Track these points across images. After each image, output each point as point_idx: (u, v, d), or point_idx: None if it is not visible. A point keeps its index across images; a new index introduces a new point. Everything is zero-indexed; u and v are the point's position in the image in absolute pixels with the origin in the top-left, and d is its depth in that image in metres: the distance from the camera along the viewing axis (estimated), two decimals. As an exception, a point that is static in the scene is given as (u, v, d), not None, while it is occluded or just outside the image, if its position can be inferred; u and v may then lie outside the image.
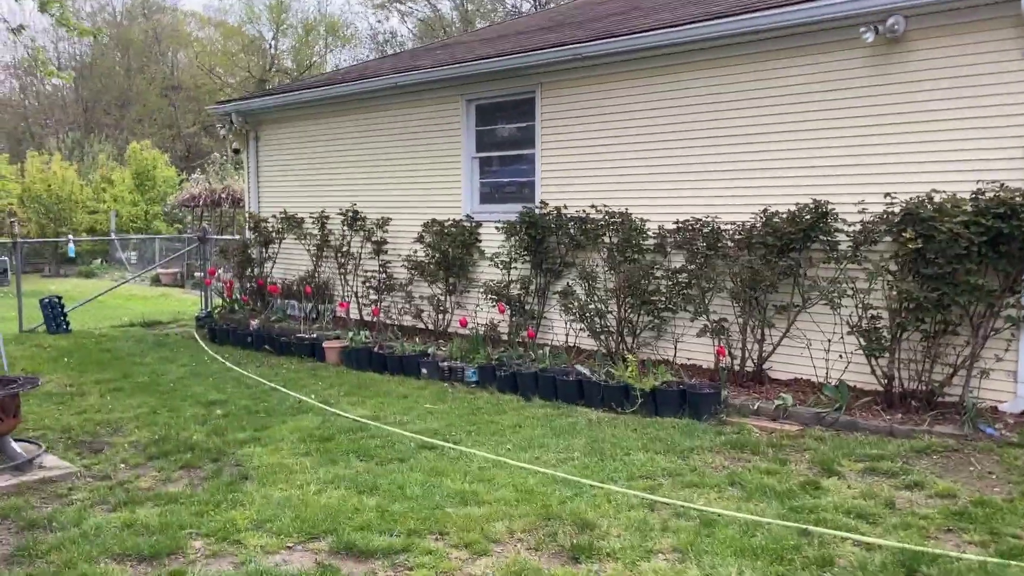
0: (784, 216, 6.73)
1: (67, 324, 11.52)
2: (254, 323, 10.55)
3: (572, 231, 8.23)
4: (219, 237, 13.57)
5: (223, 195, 22.02)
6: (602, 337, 7.83)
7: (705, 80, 7.49)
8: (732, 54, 7.28)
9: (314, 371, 8.75)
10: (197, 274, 19.74)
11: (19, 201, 26.95)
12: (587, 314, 7.84)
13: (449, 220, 9.46)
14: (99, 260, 29.26)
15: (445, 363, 8.20)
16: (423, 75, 9.52)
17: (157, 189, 30.10)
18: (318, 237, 10.84)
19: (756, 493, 4.70)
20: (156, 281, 22.63)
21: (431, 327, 9.57)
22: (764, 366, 7.05)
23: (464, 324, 8.76)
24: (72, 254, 23.02)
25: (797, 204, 6.71)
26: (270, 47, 47.16)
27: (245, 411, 6.83)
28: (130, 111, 43.75)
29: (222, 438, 5.98)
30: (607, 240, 7.95)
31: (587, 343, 8.19)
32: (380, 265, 10.07)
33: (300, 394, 7.50)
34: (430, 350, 8.62)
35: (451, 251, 9.31)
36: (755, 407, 6.40)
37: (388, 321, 9.97)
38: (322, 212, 10.77)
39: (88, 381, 8.06)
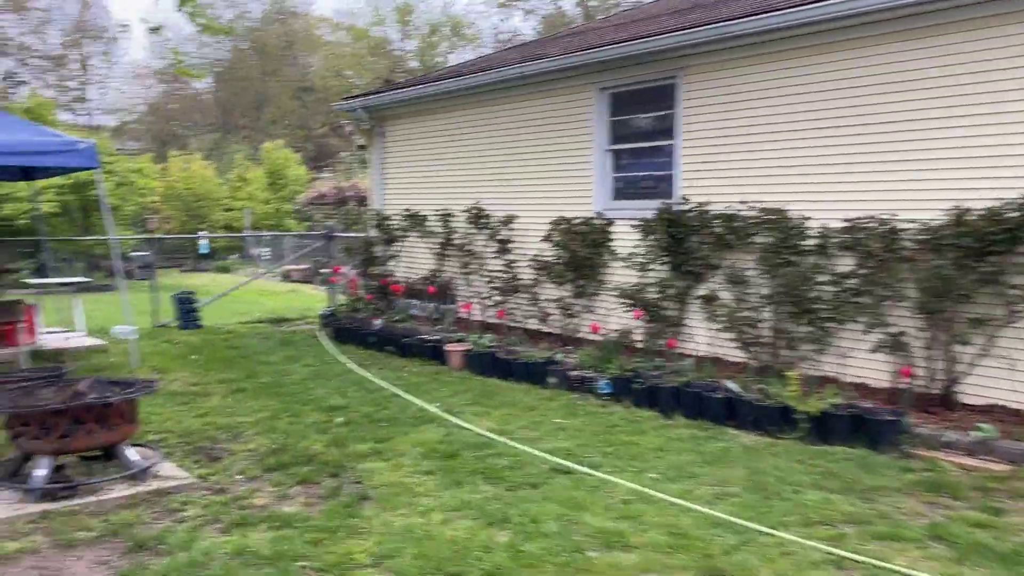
0: (982, 213, 5.69)
1: (199, 320, 11.68)
2: (377, 322, 10.30)
3: (718, 230, 7.42)
4: (344, 235, 13.50)
5: (349, 193, 22.31)
6: (753, 349, 6.99)
7: (885, 55, 6.51)
8: (927, 23, 6.27)
9: (436, 375, 8.34)
10: (324, 271, 20.07)
11: (162, 199, 28.40)
12: (736, 322, 7.02)
13: (578, 218, 8.83)
14: (234, 256, 30.51)
15: (574, 372, 7.58)
16: (553, 63, 8.94)
17: (288, 188, 31.05)
18: (441, 235, 10.48)
19: (969, 553, 3.82)
20: (286, 277, 23.22)
21: (558, 332, 8.97)
22: (953, 389, 6.02)
23: (596, 330, 8.10)
24: (205, 251, 23.92)
25: (1000, 199, 5.67)
26: (397, 48, 48.06)
27: (366, 419, 6.45)
28: (264, 113, 45.61)
29: (342, 450, 5.59)
30: (759, 240, 7.10)
31: (732, 354, 7.36)
32: (504, 265, 9.57)
33: (422, 401, 7.08)
34: (558, 357, 8.02)
35: (580, 251, 8.68)
36: (946, 439, 5.42)
37: (512, 324, 9.46)
38: (446, 210, 10.39)
39: (213, 380, 7.95)
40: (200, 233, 23.81)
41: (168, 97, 46.99)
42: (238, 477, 5.06)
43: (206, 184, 28.17)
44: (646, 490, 4.72)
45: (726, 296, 7.30)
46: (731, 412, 6.28)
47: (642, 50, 8.05)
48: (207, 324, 11.82)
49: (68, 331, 9.82)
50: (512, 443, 5.77)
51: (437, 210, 10.50)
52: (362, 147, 12.29)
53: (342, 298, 11.93)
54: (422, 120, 11.30)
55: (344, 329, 10.58)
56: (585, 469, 5.13)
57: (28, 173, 9.80)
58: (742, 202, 7.29)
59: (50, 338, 9.30)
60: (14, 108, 25.52)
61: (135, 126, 46.97)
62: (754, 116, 7.41)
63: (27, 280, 9.77)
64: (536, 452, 5.53)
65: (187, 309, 11.57)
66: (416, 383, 7.92)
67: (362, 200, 22.51)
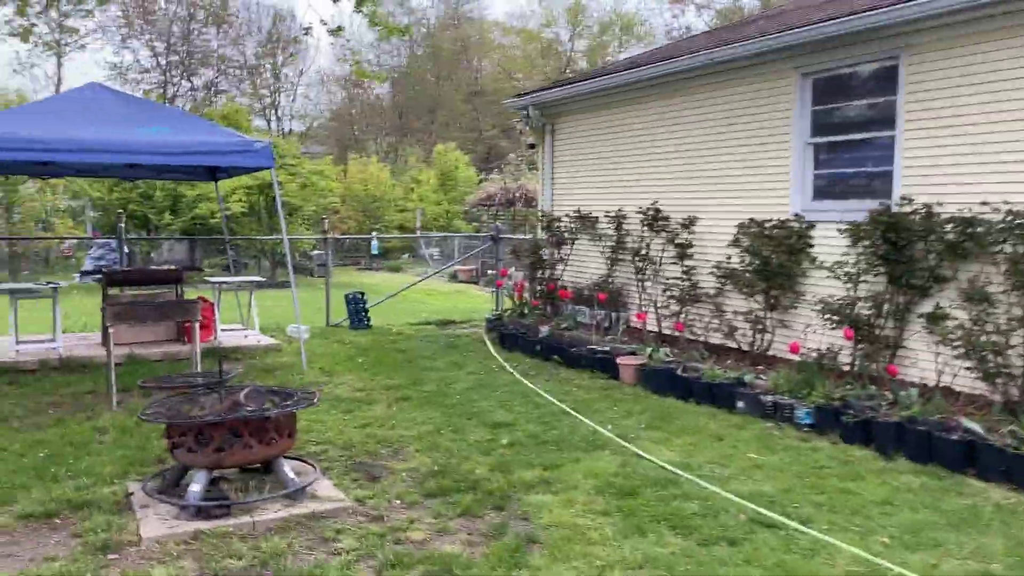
0: None
1: (368, 320, 11.67)
2: (543, 329, 9.76)
3: (950, 236, 6.22)
4: (511, 237, 13.14)
5: (517, 194, 22.09)
6: (998, 381, 5.76)
7: None
8: None
9: (607, 391, 7.66)
10: (491, 272, 19.92)
11: (341, 200, 29.60)
12: (976, 348, 5.82)
13: (771, 220, 7.84)
14: (406, 256, 31.33)
15: (768, 397, 6.64)
16: (748, 46, 7.99)
17: (458, 189, 31.50)
18: (613, 238, 9.78)
19: None
20: (454, 278, 23.39)
21: (745, 348, 8.01)
22: None
23: (796, 350, 7.09)
24: (376, 251, 24.56)
25: None
26: (566, 49, 47.81)
27: (533, 441, 5.88)
28: (438, 116, 46.78)
29: (507, 476, 5.04)
30: (1008, 249, 5.85)
31: (969, 386, 6.13)
32: (683, 272, 8.72)
33: (593, 421, 6.42)
34: (747, 378, 7.10)
35: (773, 257, 7.69)
36: None
37: (691, 337, 8.59)
38: (618, 211, 9.68)
39: (378, 386, 7.70)
40: (372, 234, 24.47)
41: (350, 103, 49.35)
42: (396, 502, 4.62)
43: (381, 186, 29.06)
44: (878, 561, 3.80)
45: (960, 315, 6.10)
46: (971, 458, 5.16)
47: (858, 28, 6.95)
48: (376, 324, 11.80)
49: (246, 329, 10.03)
50: (699, 480, 4.99)
51: (609, 211, 9.82)
52: (532, 147, 11.82)
53: (508, 302, 11.53)
54: (594, 116, 10.65)
55: (510, 335, 10.13)
56: (795, 524, 4.27)
57: (214, 173, 10.11)
58: (983, 203, 6.06)
59: (227, 336, 9.50)
60: (212, 114, 27.50)
61: (320, 131, 49.76)
62: (998, 99, 6.15)
63: (208, 278, 10.03)
64: (729, 495, 4.71)
65: (357, 309, 11.59)
66: (585, 399, 7.28)
67: (530, 201, 22.22)
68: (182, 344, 9.05)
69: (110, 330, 6.63)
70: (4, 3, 12.41)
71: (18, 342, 8.44)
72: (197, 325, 6.92)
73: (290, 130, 47.78)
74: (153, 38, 44.22)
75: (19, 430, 5.88)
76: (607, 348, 8.68)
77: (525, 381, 8.01)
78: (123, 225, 9.76)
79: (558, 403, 7.06)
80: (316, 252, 25.38)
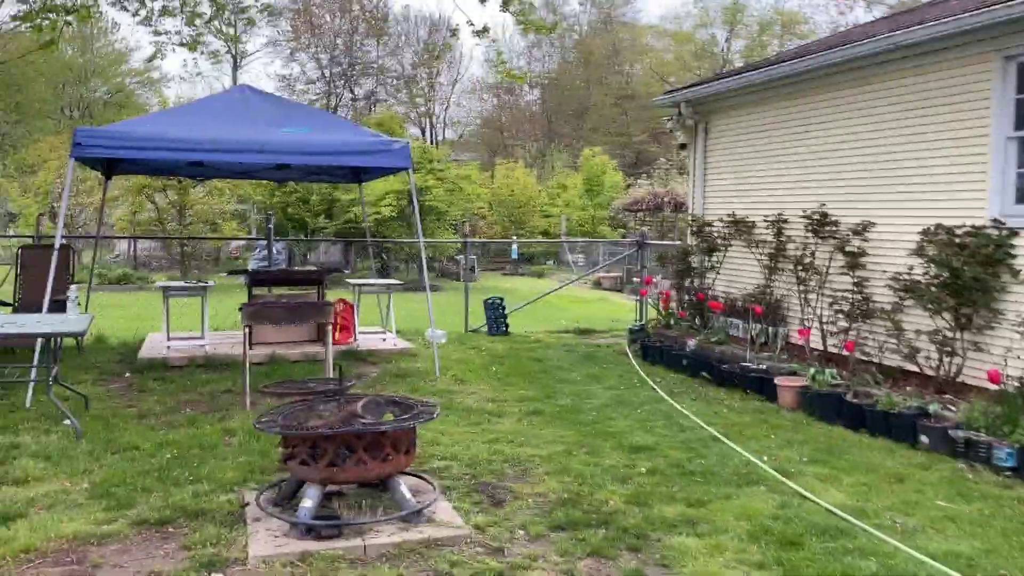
0: None
1: (506, 326, 11.35)
2: (691, 343, 9.04)
3: None
4: (658, 243, 12.45)
5: (666, 199, 21.24)
6: None
7: None
8: None
9: (762, 414, 6.88)
10: (635, 279, 19.21)
11: (489, 206, 29.77)
12: None
13: (964, 226, 6.77)
14: (550, 261, 31.08)
15: (959, 432, 5.65)
16: (941, 27, 6.95)
17: (604, 194, 30.89)
18: (772, 245, 8.90)
19: None
20: (597, 284, 22.83)
21: (929, 373, 6.97)
22: None
23: (995, 379, 6.03)
24: (515, 255, 24.38)
25: None
26: (722, 49, 46.03)
27: (676, 470, 5.24)
28: (586, 121, 46.37)
29: (645, 511, 4.46)
30: None
31: None
32: (854, 284, 7.75)
33: (747, 450, 5.69)
34: (932, 408, 6.11)
35: (965, 269, 6.62)
36: None
37: (863, 358, 7.60)
38: (778, 215, 8.81)
39: (510, 398, 7.30)
40: (512, 238, 24.36)
41: (500, 110, 49.94)
42: (520, 533, 4.16)
43: (527, 191, 28.95)
44: None
45: None
46: None
47: (1081, -4, 5.83)
48: (514, 331, 11.46)
49: (384, 332, 9.95)
50: (877, 532, 4.19)
51: (767, 216, 8.96)
52: (682, 147, 11.09)
53: (652, 312, 10.84)
54: (752, 112, 9.79)
55: (653, 347, 9.47)
56: (1008, 605, 3.43)
57: (358, 175, 10.12)
58: None
59: (365, 338, 9.44)
60: (368, 122, 28.43)
61: (472, 138, 50.67)
62: None
63: (348, 279, 10.04)
64: (918, 555, 3.90)
65: (495, 315, 11.30)
66: (737, 423, 6.54)
67: (678, 206, 21.32)
68: (322, 345, 9.06)
69: (246, 330, 6.61)
70: (173, 15, 13.08)
71: (169, 339, 8.71)
72: (329, 327, 6.79)
73: (443, 138, 48.97)
74: (318, 51, 46.67)
75: (154, 428, 5.92)
76: (763, 367, 7.87)
77: (669, 399, 7.36)
78: (271, 227, 9.94)
79: (706, 426, 6.37)
80: (461, 256, 25.62)
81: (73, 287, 7.23)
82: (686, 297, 10.12)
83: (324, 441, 3.99)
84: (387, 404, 4.52)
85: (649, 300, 11.19)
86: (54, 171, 20.14)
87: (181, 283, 9.46)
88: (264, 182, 22.14)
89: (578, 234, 29.97)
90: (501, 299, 11.51)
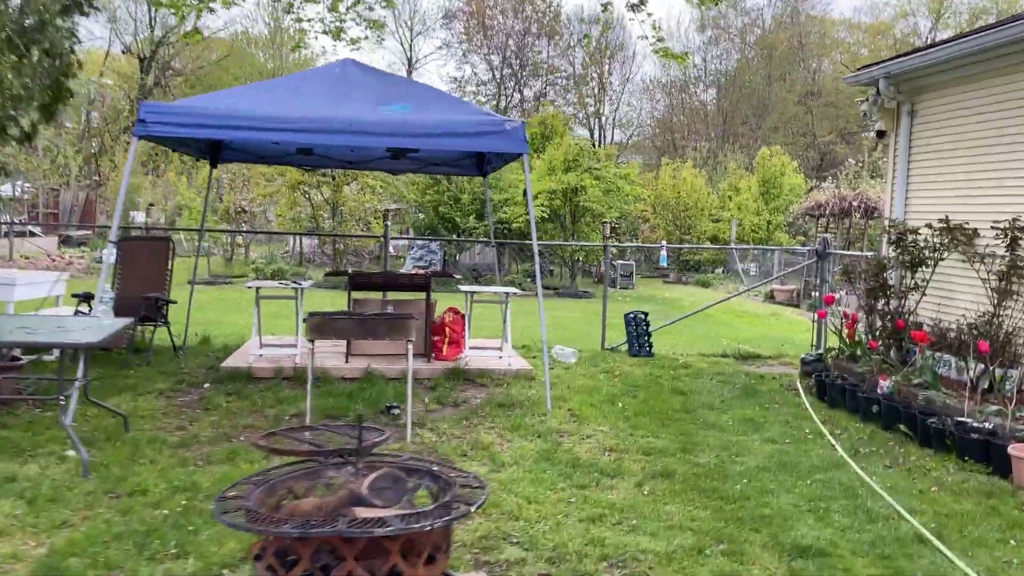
0: None
1: (650, 346, 9.66)
2: (884, 383, 6.99)
3: None
4: (843, 252, 10.27)
5: (854, 203, 18.48)
6: None
7: None
8: None
9: (990, 498, 4.86)
10: (814, 294, 16.68)
11: (652, 208, 27.79)
12: None
13: None
14: (718, 270, 28.57)
15: None
16: None
17: (782, 198, 28.01)
18: (1003, 260, 6.69)
19: None
20: (770, 297, 20.38)
21: None
22: None
23: None
24: (664, 262, 22.28)
25: None
26: (924, 41, 41.01)
27: (860, 599, 3.47)
28: (766, 120, 43.02)
29: None
30: None
31: None
32: None
33: (973, 567, 3.79)
34: None
35: None
36: None
37: None
38: (1012, 221, 6.59)
39: (634, 447, 5.68)
40: (661, 243, 22.41)
41: (672, 111, 47.54)
42: None
43: (695, 193, 26.70)
44: None
45: None
46: None
47: None
48: (661, 351, 9.77)
49: (502, 346, 8.59)
50: None
51: (996, 222, 6.74)
52: (879, 135, 8.89)
53: (833, 337, 8.76)
54: (980, 88, 7.52)
55: (833, 385, 7.48)
56: None
57: (481, 166, 8.85)
58: None
59: (477, 354, 8.13)
60: (532, 121, 27.38)
61: (642, 139, 48.61)
62: None
63: (460, 285, 8.78)
64: None
65: (637, 332, 9.64)
66: (953, 513, 4.57)
67: (869, 212, 18.49)
68: (425, 361, 7.85)
69: (311, 345, 5.48)
70: (316, 1, 12.46)
71: (262, 345, 7.84)
72: (411, 344, 5.51)
73: (612, 139, 47.35)
74: (490, 52, 46.50)
75: (186, 463, 4.87)
76: (989, 425, 5.77)
77: (852, 464, 5.46)
78: (388, 224, 8.88)
79: (907, 515, 4.47)
80: (620, 262, 23.94)
81: (104, 288, 6.36)
82: (879, 323, 7.99)
83: (297, 544, 2.64)
84: (419, 476, 3.12)
85: (829, 323, 9.09)
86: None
87: (275, 283, 8.59)
88: (419, 179, 21.64)
89: (751, 241, 27.32)
90: (645, 314, 9.82)
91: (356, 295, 7.82)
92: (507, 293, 8.05)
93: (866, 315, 8.15)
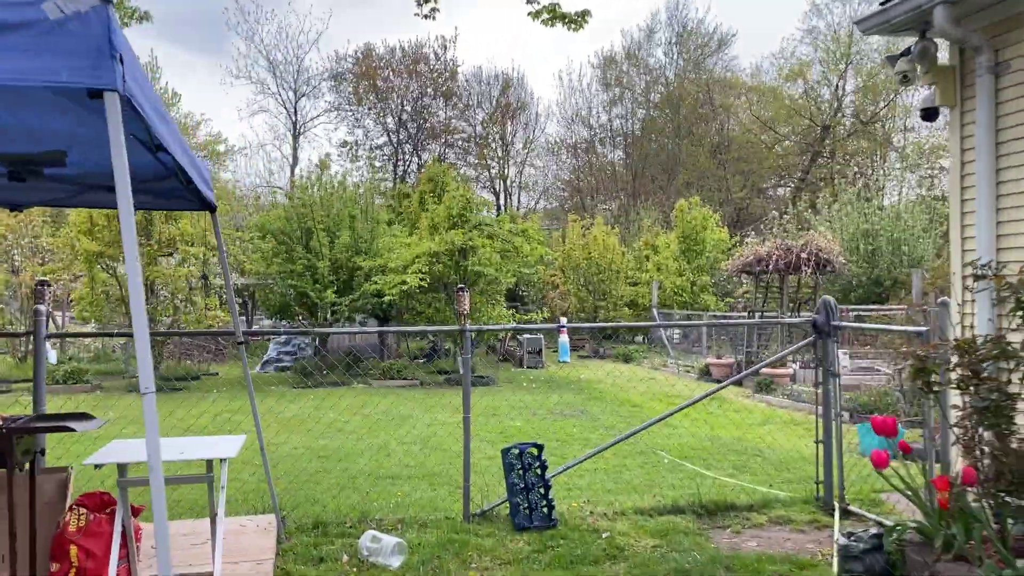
0: None
1: (549, 506, 5.35)
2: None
3: None
4: (851, 325, 6.38)
5: (802, 254, 14.94)
6: None
7: None
8: None
9: None
10: (764, 371, 12.83)
11: (561, 271, 23.97)
12: None
13: None
14: (640, 338, 24.80)
15: None
16: None
17: (706, 255, 24.66)
18: None
19: None
20: (705, 373, 16.51)
21: None
22: None
23: None
24: (564, 356, 18.41)
25: None
26: (836, 89, 39.29)
27: None
28: (677, 177, 40.49)
29: None
30: None
31: None
32: None
33: None
34: None
35: None
36: None
37: None
38: None
39: None
40: (561, 320, 18.59)
41: (577, 173, 44.75)
42: None
43: (608, 253, 23.01)
44: None
45: None
46: None
47: None
48: (571, 506, 5.51)
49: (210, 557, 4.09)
50: None
51: None
52: (928, 112, 4.95)
53: (897, 481, 4.64)
54: None
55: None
56: None
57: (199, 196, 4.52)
58: None
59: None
60: (421, 179, 23.40)
61: (550, 206, 45.48)
62: None
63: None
64: None
65: (526, 483, 5.31)
66: None
67: (822, 265, 15.00)
68: None
69: None
70: None
71: None
72: None
73: (519, 204, 44.08)
74: (383, 113, 42.83)
75: None
76: None
77: None
78: (45, 306, 4.40)
79: None
80: (527, 337, 19.82)
81: None
82: (1003, 463, 3.91)
83: None
84: None
85: (900, 465, 4.99)
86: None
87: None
88: (264, 245, 17.12)
89: (674, 304, 23.73)
90: (539, 447, 5.52)
91: None
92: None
93: (968, 454, 4.05)
